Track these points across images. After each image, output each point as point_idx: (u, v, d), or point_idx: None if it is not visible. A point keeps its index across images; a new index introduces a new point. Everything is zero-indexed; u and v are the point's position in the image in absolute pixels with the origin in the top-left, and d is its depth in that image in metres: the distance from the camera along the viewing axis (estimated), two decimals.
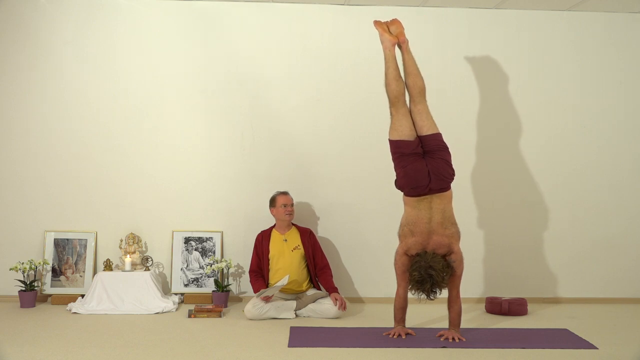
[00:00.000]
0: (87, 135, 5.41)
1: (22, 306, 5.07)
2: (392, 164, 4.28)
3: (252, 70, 5.47)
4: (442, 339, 4.14)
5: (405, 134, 4.20)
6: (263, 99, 5.48)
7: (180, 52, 5.45)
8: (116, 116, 5.43)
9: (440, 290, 4.12)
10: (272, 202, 5.13)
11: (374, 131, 5.46)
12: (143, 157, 5.44)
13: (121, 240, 5.34)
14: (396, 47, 4.39)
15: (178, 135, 5.46)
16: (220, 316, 4.83)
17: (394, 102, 4.24)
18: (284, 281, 4.78)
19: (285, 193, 5.12)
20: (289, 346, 4.01)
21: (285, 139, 5.49)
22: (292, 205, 5.10)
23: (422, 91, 4.28)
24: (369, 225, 5.50)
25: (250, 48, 5.47)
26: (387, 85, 4.27)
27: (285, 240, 5.07)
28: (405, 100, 4.28)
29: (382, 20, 4.48)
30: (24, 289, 5.11)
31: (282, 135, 5.49)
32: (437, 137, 4.27)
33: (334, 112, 5.50)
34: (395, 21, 4.46)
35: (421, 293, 4.10)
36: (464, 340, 4.13)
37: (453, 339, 4.13)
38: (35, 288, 5.19)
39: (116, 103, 5.43)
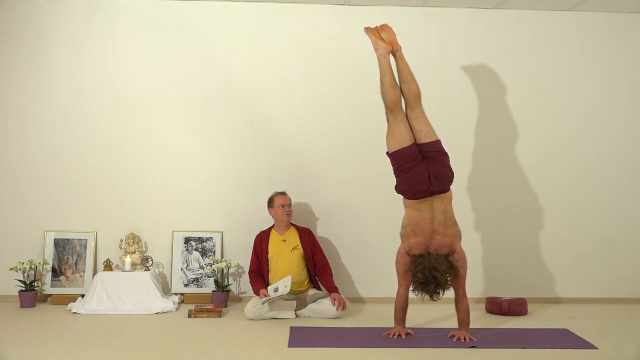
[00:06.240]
0: (87, 135, 5.41)
1: (22, 306, 5.07)
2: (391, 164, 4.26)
3: (252, 70, 5.47)
4: (454, 340, 4.13)
5: (404, 139, 4.21)
6: (263, 99, 5.48)
7: (180, 52, 5.45)
8: (116, 116, 5.43)
9: (444, 291, 4.11)
10: (270, 202, 5.13)
11: (374, 131, 5.43)
12: (143, 157, 5.44)
13: (121, 240, 5.34)
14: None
15: (178, 136, 5.46)
16: (220, 316, 4.83)
17: (392, 108, 4.24)
18: (287, 283, 4.75)
19: (283, 193, 5.12)
20: (289, 346, 4.01)
21: (285, 139, 5.49)
22: (290, 205, 5.10)
23: (418, 97, 4.27)
24: (369, 225, 5.50)
25: (250, 48, 5.47)
26: (384, 93, 4.26)
27: (284, 240, 5.07)
28: (402, 106, 4.29)
29: (372, 27, 4.39)
30: (24, 289, 5.11)
31: (282, 135, 5.49)
32: (436, 144, 4.26)
33: (334, 112, 5.50)
34: (385, 27, 4.36)
35: (424, 294, 4.09)
36: (475, 340, 4.12)
37: (465, 339, 4.12)
38: (35, 288, 5.19)
39: (116, 103, 5.43)
